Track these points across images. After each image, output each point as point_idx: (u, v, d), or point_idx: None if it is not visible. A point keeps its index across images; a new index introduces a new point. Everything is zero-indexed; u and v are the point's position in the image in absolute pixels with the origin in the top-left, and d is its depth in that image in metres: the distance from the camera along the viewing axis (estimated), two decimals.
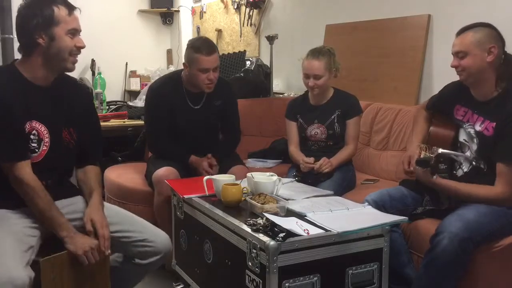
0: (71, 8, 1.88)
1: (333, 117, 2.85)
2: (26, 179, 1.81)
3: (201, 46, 2.71)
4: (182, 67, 2.86)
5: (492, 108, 2.12)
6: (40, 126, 1.89)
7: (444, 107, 2.35)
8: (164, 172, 2.65)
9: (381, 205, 2.18)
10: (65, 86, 2.01)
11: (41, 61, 1.86)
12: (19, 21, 1.86)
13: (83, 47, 1.90)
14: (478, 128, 2.15)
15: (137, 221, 2.10)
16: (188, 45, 2.79)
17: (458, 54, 2.13)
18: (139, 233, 2.02)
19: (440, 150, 2.11)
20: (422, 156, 2.14)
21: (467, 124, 2.21)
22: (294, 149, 2.93)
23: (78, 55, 1.91)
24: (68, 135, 1.99)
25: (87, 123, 2.08)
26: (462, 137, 2.24)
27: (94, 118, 2.17)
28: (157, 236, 2.05)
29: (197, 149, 2.86)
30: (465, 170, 2.21)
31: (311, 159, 2.77)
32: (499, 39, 2.11)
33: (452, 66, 2.19)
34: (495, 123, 2.09)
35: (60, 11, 1.84)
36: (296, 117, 2.95)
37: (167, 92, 2.83)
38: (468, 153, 2.19)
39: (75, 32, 1.88)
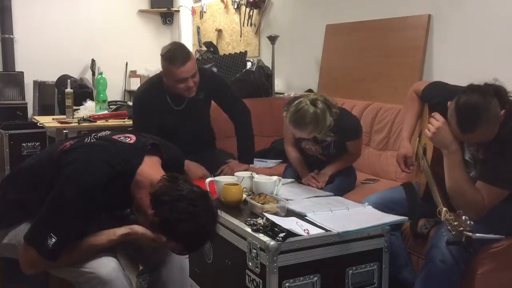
0: None
1: (329, 140, 2.59)
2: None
3: (173, 56, 2.60)
4: None
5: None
6: None
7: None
8: None
9: (382, 206, 2.17)
10: None
11: None
12: None
13: None
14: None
15: None
16: (161, 54, 2.67)
17: (475, 143, 1.98)
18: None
19: (475, 235, 1.72)
20: (452, 234, 1.77)
21: (470, 146, 2.06)
22: (291, 150, 2.82)
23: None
24: None
25: None
26: (467, 155, 2.07)
27: None
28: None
29: (193, 147, 2.84)
30: None
31: (312, 176, 2.66)
32: (502, 98, 1.86)
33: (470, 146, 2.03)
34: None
35: None
36: None
37: (150, 97, 2.80)
38: None
39: None
